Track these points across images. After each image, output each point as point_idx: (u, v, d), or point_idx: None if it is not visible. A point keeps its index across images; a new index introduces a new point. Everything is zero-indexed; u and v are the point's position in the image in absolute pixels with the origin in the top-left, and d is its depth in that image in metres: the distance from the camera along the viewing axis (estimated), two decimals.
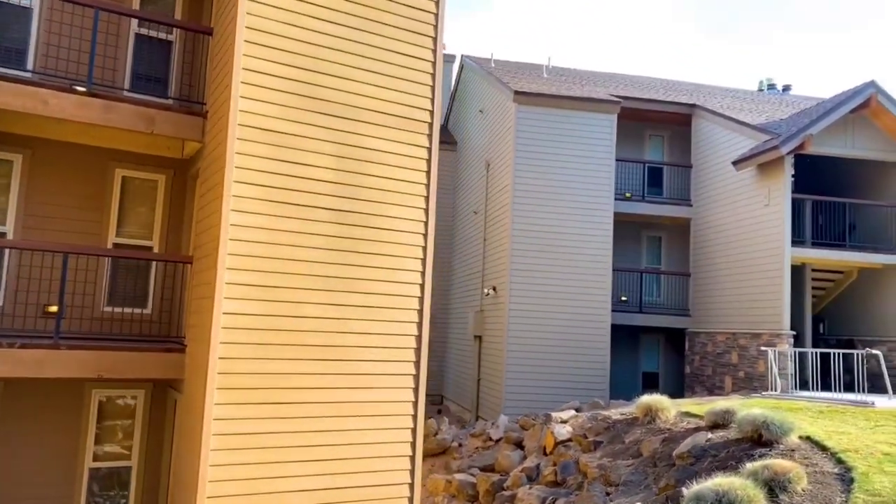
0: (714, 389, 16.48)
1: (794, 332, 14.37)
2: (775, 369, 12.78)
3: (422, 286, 8.35)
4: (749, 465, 6.48)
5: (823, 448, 7.54)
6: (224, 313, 7.14)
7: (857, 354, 11.55)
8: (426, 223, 8.44)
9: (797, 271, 16.44)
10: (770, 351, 12.89)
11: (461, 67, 22.99)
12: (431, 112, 8.53)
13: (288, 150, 7.64)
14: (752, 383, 15.07)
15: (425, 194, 8.46)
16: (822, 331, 17.39)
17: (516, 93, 16.22)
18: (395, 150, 8.27)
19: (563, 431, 11.25)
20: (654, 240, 19.56)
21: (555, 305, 16.09)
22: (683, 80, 24.87)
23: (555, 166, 16.37)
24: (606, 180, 16.57)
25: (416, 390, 8.22)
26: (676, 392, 18.41)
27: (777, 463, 6.31)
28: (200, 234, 8.13)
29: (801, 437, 8.13)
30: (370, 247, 8.05)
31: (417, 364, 8.26)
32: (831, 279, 16.96)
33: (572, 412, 12.32)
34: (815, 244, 16.19)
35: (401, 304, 8.20)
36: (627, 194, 18.71)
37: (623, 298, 18.63)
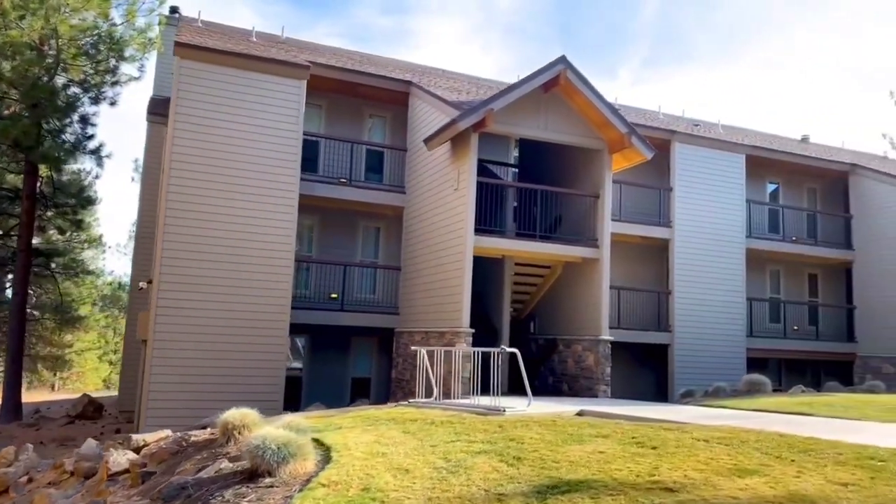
0: (409, 395, 14.65)
1: (473, 331, 12.82)
2: (430, 373, 11.01)
3: None
4: None
5: (309, 482, 5.48)
6: None
7: (494, 353, 10.00)
8: None
9: (497, 264, 15.13)
10: (419, 351, 11.11)
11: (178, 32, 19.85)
12: None
13: None
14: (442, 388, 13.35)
15: None
16: (532, 330, 16.28)
17: (177, 44, 13.47)
18: None
19: (123, 460, 8.60)
20: (372, 231, 17.61)
21: (221, 302, 13.45)
22: (419, 62, 23.39)
23: (227, 136, 13.78)
24: (291, 156, 14.26)
25: None
26: (386, 399, 16.54)
27: None
28: None
29: (322, 460, 6.09)
30: None
31: None
32: (540, 274, 15.86)
33: (166, 432, 9.73)
34: (519, 235, 14.95)
35: None
36: (342, 179, 16.59)
37: (333, 296, 16.45)
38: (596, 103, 13.57)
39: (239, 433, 8.38)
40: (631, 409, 10.62)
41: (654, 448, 6.96)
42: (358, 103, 17.44)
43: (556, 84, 13.42)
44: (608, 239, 14.20)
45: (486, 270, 15.77)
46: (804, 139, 27.72)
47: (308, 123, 17.00)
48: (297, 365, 16.58)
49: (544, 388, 15.26)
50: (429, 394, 11.03)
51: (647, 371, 19.51)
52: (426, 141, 13.91)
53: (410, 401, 10.87)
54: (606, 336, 13.80)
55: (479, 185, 13.56)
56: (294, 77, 14.31)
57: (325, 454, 6.63)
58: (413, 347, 11.32)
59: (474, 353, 10.53)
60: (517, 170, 18.00)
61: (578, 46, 65.99)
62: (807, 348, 20.96)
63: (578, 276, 14.74)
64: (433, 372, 10.90)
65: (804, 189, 22.96)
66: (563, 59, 13.31)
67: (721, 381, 16.32)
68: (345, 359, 16.87)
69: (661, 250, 19.63)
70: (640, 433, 7.78)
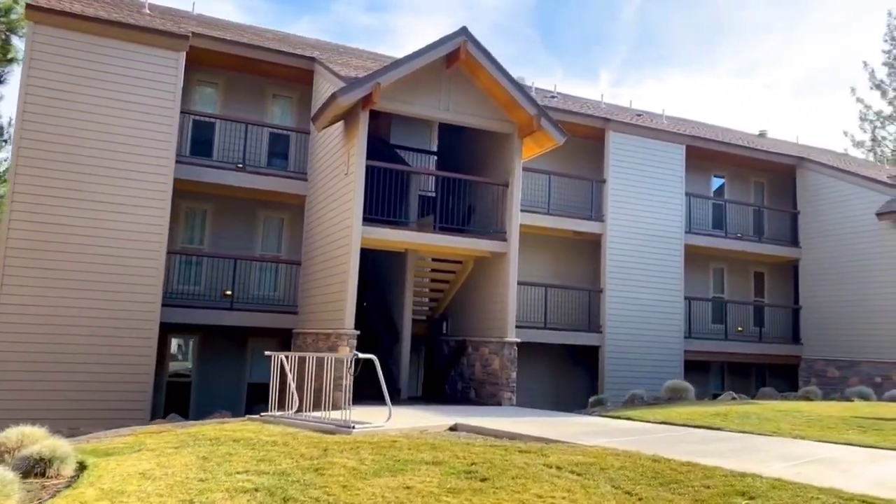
0: (302, 404, 13.23)
1: (358, 332, 11.43)
2: (291, 381, 9.59)
3: None
4: None
5: None
6: None
7: (347, 360, 8.64)
8: None
9: (398, 259, 13.80)
10: (273, 356, 9.69)
11: None
12: None
13: None
14: (323, 395, 11.97)
15: None
16: (445, 330, 14.93)
17: (29, 7, 11.92)
18: None
19: None
20: (276, 222, 16.13)
21: (76, 298, 11.95)
22: (324, 39, 21.95)
23: (87, 111, 12.28)
24: (165, 136, 12.78)
25: None
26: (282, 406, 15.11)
27: None
28: None
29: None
30: None
31: None
32: (452, 270, 14.52)
33: None
34: (423, 227, 13.59)
35: None
36: (239, 164, 15.11)
37: (227, 293, 14.95)
38: (501, 81, 12.26)
39: (11, 456, 6.93)
40: (514, 423, 9.33)
41: (483, 480, 5.66)
42: (260, 82, 15.96)
43: (458, 59, 12.07)
44: (517, 232, 12.90)
45: (390, 266, 14.45)
46: (761, 134, 26.73)
47: (201, 103, 15.61)
48: (186, 369, 15.10)
49: (453, 395, 13.97)
50: (289, 405, 9.63)
51: (580, 373, 18.28)
52: (313, 119, 12.51)
53: (262, 414, 9.47)
54: (512, 338, 12.49)
55: (376, 171, 12.24)
56: (169, 48, 12.81)
57: (56, 491, 5.22)
58: (267, 353, 9.89)
59: (328, 358, 9.16)
60: (436, 157, 16.63)
61: (561, 46, 64.88)
62: (750, 350, 19.89)
63: (488, 273, 13.44)
64: (292, 380, 9.50)
65: (751, 183, 21.92)
66: (463, 31, 11.96)
67: (658, 385, 15.13)
68: (241, 362, 15.39)
69: (595, 246, 18.42)
70: (485, 457, 6.47)
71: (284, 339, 15.38)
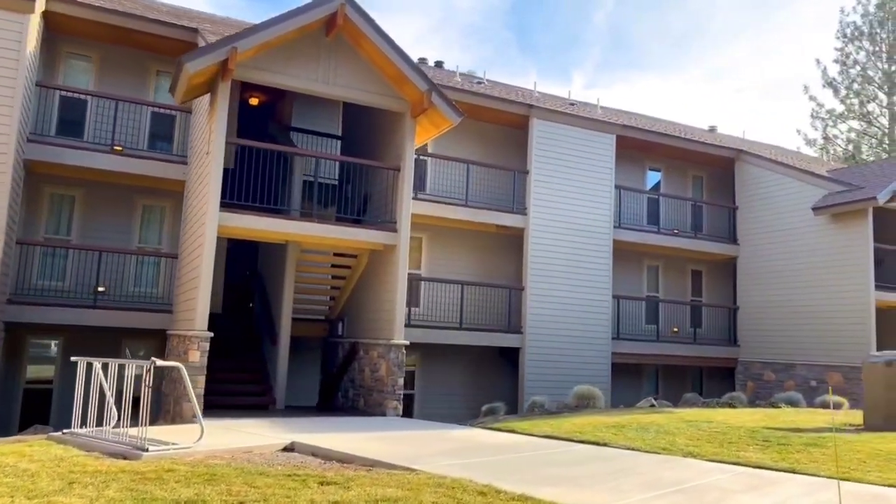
0: (158, 418, 11.76)
1: (211, 335, 9.98)
2: (106, 391, 8.10)
3: None
4: None
5: None
6: None
7: (145, 368, 7.21)
8: None
9: (279, 250, 12.40)
10: (80, 362, 8.17)
11: None
12: None
13: None
14: (175, 406, 10.52)
15: None
16: (341, 332, 13.54)
17: None
18: None
19: None
20: (156, 210, 14.57)
21: None
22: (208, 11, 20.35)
23: None
24: (4, 109, 11.16)
25: None
26: (155, 418, 13.58)
27: None
28: None
29: None
30: None
31: None
32: (347, 265, 13.15)
33: None
34: (304, 216, 12.22)
35: None
36: (118, 147, 13.50)
37: (101, 289, 13.36)
38: (387, 51, 10.91)
39: None
40: (367, 440, 8.01)
41: None
42: (141, 57, 14.39)
43: (336, 24, 10.70)
44: (408, 221, 11.56)
45: (275, 260, 13.04)
46: (711, 129, 25.84)
47: (72, 78, 14.04)
48: (47, 376, 13.49)
49: (344, 404, 12.62)
50: (91, 421, 8.15)
51: (507, 376, 16.94)
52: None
53: (63, 431, 7.96)
54: (400, 340, 11.16)
55: (249, 152, 10.88)
56: (10, 9, 11.19)
57: None
58: (73, 358, 8.40)
59: (129, 365, 7.68)
60: (340, 141, 15.24)
61: (535, 48, 64.11)
62: (685, 353, 18.83)
63: (380, 268, 12.09)
64: (108, 389, 8.03)
65: (689, 178, 20.90)
66: None
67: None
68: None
69: (521, 241, 17.17)
70: (264, 493, 5.13)
71: (165, 341, 13.87)
